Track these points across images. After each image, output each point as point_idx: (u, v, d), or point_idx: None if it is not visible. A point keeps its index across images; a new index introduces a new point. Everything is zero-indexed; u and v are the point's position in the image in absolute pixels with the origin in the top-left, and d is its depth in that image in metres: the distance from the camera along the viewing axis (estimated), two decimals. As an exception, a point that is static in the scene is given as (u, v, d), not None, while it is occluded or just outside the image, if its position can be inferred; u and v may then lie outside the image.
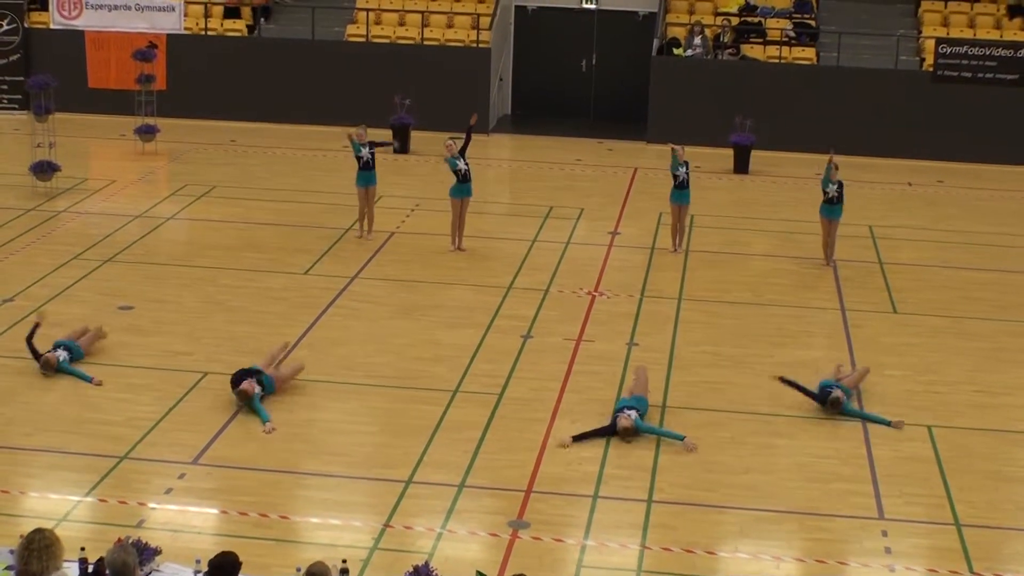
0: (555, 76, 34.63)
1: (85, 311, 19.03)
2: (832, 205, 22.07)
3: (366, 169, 22.85)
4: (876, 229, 24.79)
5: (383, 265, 21.81)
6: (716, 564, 13.01)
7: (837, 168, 21.97)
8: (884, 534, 13.63)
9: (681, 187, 22.67)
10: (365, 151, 22.77)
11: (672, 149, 22.71)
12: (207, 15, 33.44)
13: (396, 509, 13.70)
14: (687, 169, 22.64)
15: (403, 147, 29.79)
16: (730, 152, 29.45)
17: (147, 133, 29.10)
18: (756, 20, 33.34)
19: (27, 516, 13.18)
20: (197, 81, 32.16)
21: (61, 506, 13.54)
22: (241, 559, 10.06)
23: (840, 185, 21.97)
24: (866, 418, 16.26)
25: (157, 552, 11.60)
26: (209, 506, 13.69)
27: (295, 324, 18.86)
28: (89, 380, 16.68)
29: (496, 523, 13.52)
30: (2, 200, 24.68)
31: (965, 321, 20.17)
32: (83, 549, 10.65)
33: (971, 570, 12.98)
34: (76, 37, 32.18)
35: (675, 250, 22.90)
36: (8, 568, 10.34)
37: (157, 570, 11.42)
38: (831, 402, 16.33)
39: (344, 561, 10.88)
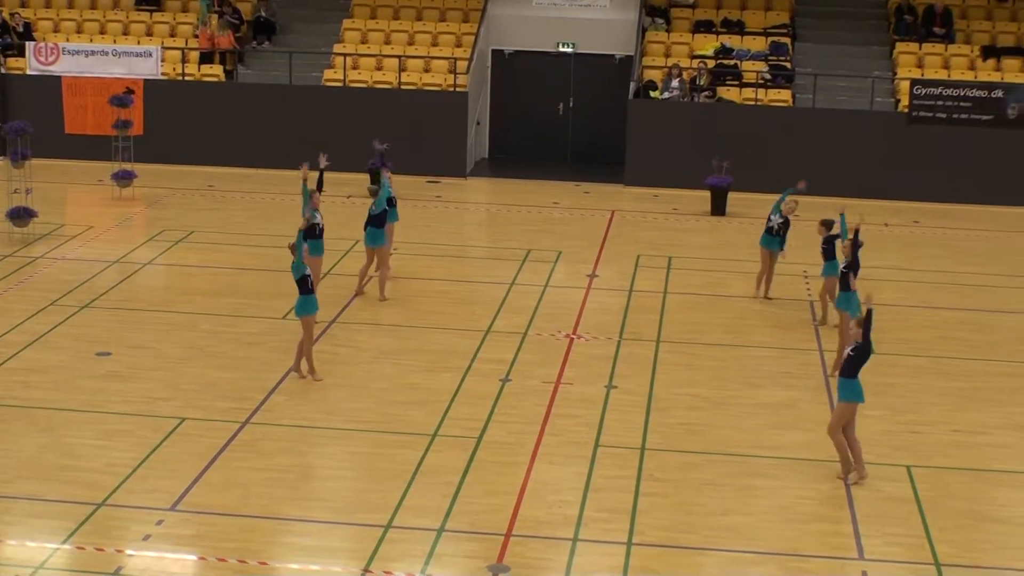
0: (532, 119, 34.77)
1: (62, 357, 18.99)
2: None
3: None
4: (853, 270, 24.82)
5: (362, 309, 21.79)
6: (697, 607, 13.00)
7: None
8: (864, 575, 13.62)
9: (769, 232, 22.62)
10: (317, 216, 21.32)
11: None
12: (184, 60, 33.48)
13: (375, 554, 13.66)
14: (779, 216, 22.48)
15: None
16: (707, 194, 29.53)
17: (124, 179, 29.08)
18: (732, 63, 33.52)
19: (4, 564, 13.12)
20: (174, 126, 32.19)
21: (38, 554, 13.46)
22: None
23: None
24: None
25: (135, 600, 11.57)
26: (188, 552, 13.62)
27: (275, 369, 18.81)
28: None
29: (476, 567, 13.47)
30: (-21, 246, 24.66)
31: (943, 361, 20.23)
32: (60, 597, 10.63)
33: (952, 610, 13.01)
34: (53, 83, 32.26)
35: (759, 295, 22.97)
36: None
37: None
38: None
39: None
